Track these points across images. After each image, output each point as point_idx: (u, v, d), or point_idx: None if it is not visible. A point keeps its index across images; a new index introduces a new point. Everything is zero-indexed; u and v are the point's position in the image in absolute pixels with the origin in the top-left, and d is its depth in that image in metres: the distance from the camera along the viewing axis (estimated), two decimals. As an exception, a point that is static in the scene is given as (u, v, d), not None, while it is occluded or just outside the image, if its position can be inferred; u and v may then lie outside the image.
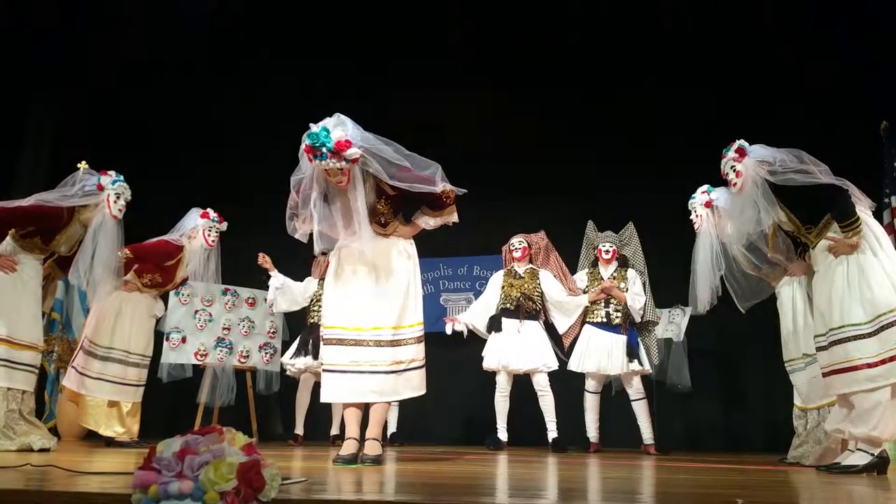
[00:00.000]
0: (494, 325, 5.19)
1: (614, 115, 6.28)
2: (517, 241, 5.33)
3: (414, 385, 3.11)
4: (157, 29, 6.55)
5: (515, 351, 5.05)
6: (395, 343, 3.04)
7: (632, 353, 5.06)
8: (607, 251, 5.28)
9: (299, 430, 5.60)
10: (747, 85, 5.89)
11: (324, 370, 3.10)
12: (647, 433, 5.09)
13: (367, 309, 3.05)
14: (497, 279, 5.36)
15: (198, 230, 4.67)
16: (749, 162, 3.30)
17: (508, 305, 5.18)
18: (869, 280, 3.01)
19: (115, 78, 6.64)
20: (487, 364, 5.17)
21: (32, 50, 6.50)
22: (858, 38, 5.57)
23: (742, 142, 3.38)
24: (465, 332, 5.35)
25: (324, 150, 2.75)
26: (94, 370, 4.43)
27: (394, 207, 3.15)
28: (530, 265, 5.32)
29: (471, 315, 5.34)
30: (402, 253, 3.16)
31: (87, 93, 6.52)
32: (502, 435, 5.10)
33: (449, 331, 5.38)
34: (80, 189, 3.86)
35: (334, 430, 5.57)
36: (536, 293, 5.18)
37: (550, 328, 5.27)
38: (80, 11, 6.40)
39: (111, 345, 4.46)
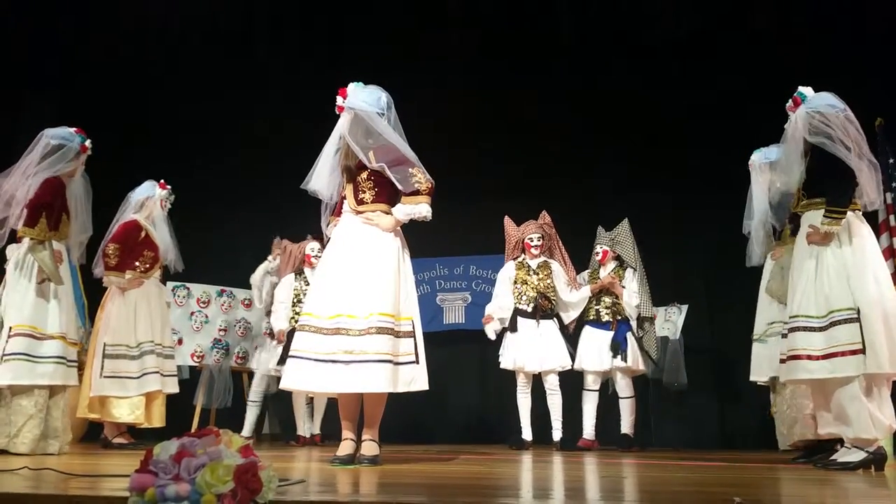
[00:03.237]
0: (510, 325, 5.15)
1: (612, 115, 6.28)
2: (536, 238, 5.21)
3: (370, 379, 2.89)
4: (157, 28, 6.55)
5: (532, 351, 5.03)
6: (347, 332, 2.93)
7: (615, 350, 5.06)
8: (597, 253, 5.31)
9: (301, 432, 5.58)
10: (746, 83, 5.89)
11: (288, 357, 3.08)
12: (623, 430, 5.10)
13: (331, 297, 3.01)
14: (509, 272, 5.25)
15: (155, 200, 4.76)
16: (800, 112, 3.22)
17: (524, 307, 5.13)
18: (831, 277, 3.05)
19: (114, 77, 6.62)
20: (504, 364, 5.16)
21: (32, 50, 6.47)
22: (856, 36, 5.58)
23: (802, 90, 3.28)
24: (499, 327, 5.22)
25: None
26: (133, 370, 4.45)
27: (377, 189, 3.14)
28: (543, 258, 5.25)
29: (496, 309, 5.20)
30: (380, 243, 3.09)
31: (86, 93, 6.50)
32: (526, 434, 5.09)
33: (492, 335, 5.21)
34: (64, 153, 3.79)
35: (314, 430, 5.54)
36: (551, 290, 5.14)
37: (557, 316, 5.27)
38: (79, 11, 6.38)
39: (140, 340, 4.51)
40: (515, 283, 5.20)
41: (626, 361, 5.03)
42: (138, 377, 4.46)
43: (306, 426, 5.54)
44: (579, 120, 6.40)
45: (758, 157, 4.26)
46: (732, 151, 5.81)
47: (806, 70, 5.55)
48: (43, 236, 3.64)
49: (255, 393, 5.68)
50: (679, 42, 6.13)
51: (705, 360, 5.97)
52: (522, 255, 5.28)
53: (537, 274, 5.18)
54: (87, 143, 3.93)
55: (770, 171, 4.08)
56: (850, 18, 5.66)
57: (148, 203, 4.74)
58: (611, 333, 5.11)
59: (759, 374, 4.18)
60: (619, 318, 5.13)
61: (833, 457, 3.16)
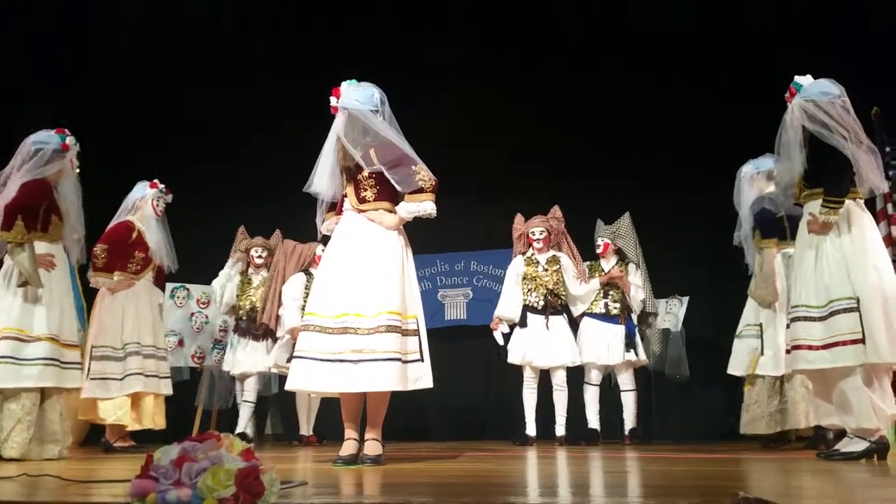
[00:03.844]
0: (520, 320, 5.14)
1: (614, 110, 6.26)
2: (538, 231, 5.21)
3: (380, 378, 2.88)
4: (157, 28, 6.52)
5: (542, 346, 5.03)
6: (355, 330, 2.92)
7: (629, 343, 5.09)
8: (598, 245, 5.34)
9: (304, 431, 5.57)
10: (747, 80, 5.88)
11: (293, 357, 3.07)
12: (629, 424, 5.14)
13: (336, 296, 3.00)
14: (518, 268, 5.23)
15: (146, 200, 4.73)
16: (796, 102, 3.23)
17: (533, 304, 5.12)
18: (830, 266, 3.06)
19: (114, 77, 6.60)
20: (512, 359, 5.15)
21: (32, 50, 6.45)
22: (856, 28, 5.57)
23: (798, 79, 3.28)
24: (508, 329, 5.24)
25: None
26: (117, 371, 4.43)
27: (378, 187, 3.12)
28: (552, 252, 5.23)
29: (507, 310, 5.19)
30: (384, 241, 3.08)
31: (86, 93, 6.49)
32: (530, 430, 5.08)
33: (501, 339, 5.21)
34: (42, 156, 3.74)
35: (303, 431, 5.52)
36: (560, 285, 5.13)
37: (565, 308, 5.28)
38: (80, 12, 6.36)
39: (125, 341, 4.50)
40: (525, 278, 5.18)
41: (639, 356, 5.09)
42: (121, 378, 4.43)
43: (301, 425, 5.54)
44: (580, 116, 6.39)
45: (749, 169, 4.37)
46: (732, 145, 5.79)
47: (804, 61, 5.52)
48: (20, 239, 3.59)
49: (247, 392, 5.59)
50: (680, 40, 6.11)
51: (707, 352, 5.97)
52: (531, 251, 5.26)
53: (546, 270, 5.16)
54: (69, 140, 3.87)
55: (760, 181, 4.34)
56: (849, 10, 5.65)
57: (140, 204, 4.73)
58: (619, 327, 5.14)
59: (732, 368, 4.46)
60: (627, 311, 5.18)
61: (836, 447, 3.16)
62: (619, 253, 5.33)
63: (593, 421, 5.19)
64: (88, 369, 4.37)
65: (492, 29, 6.51)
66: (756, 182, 4.34)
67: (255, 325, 5.50)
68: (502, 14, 6.43)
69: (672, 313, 5.97)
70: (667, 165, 6.13)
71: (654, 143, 6.21)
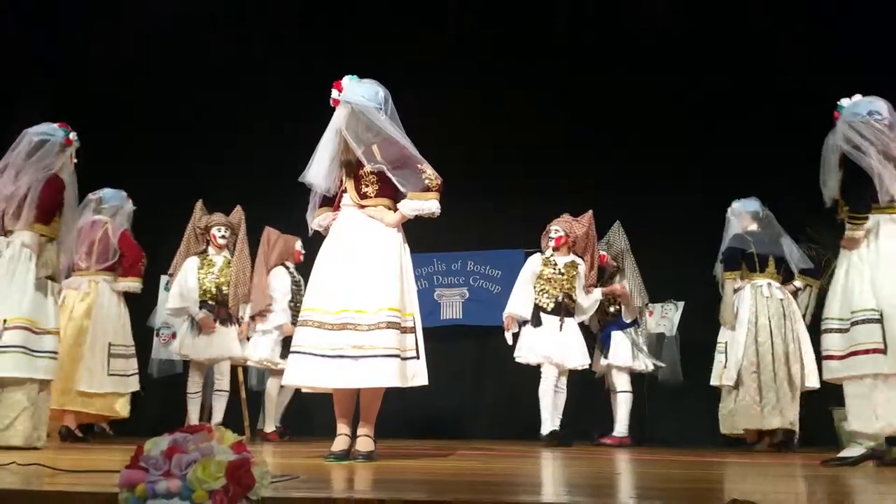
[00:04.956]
0: (533, 320, 5.01)
1: (612, 113, 6.27)
2: (553, 230, 5.12)
3: (380, 374, 2.88)
4: (156, 28, 6.51)
5: (559, 346, 4.94)
6: (356, 327, 2.91)
7: (601, 347, 5.22)
8: (598, 258, 5.35)
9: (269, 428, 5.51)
10: (745, 85, 5.88)
11: (290, 353, 3.04)
12: (620, 426, 5.18)
13: (336, 291, 2.98)
14: (534, 266, 5.11)
15: (129, 212, 4.94)
16: (839, 126, 3.26)
17: (546, 305, 5.00)
18: (854, 279, 3.12)
19: (114, 77, 6.59)
20: (526, 358, 4.99)
21: (30, 48, 6.44)
22: (855, 36, 5.58)
23: (839, 103, 3.31)
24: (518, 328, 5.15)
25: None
26: (128, 369, 4.75)
27: (380, 183, 3.10)
28: (571, 257, 5.13)
29: (518, 308, 5.06)
30: (383, 238, 3.07)
31: (86, 92, 6.47)
32: (554, 426, 4.90)
33: (510, 340, 5.09)
34: (50, 147, 3.73)
35: (269, 427, 5.40)
36: (574, 291, 5.06)
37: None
38: (79, 11, 6.34)
39: (130, 343, 4.82)
40: (539, 278, 5.06)
41: (606, 358, 5.21)
42: (130, 376, 4.74)
43: (267, 421, 5.44)
44: (578, 118, 6.39)
45: (738, 206, 4.82)
46: (731, 149, 5.78)
47: (806, 69, 5.55)
48: (55, 235, 3.68)
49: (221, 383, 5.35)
50: (679, 41, 6.11)
51: (701, 356, 5.97)
52: (551, 252, 5.13)
53: (563, 274, 5.06)
54: (72, 135, 3.86)
55: (745, 219, 4.83)
56: (850, 16, 5.67)
57: (119, 212, 4.87)
58: (599, 333, 5.33)
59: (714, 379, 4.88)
60: (608, 318, 5.33)
61: (840, 454, 3.18)
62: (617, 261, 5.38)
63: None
64: (108, 365, 4.59)
65: (492, 30, 6.50)
66: (742, 220, 4.80)
67: (227, 310, 5.20)
68: (502, 14, 6.43)
69: (667, 318, 5.98)
70: (663, 170, 6.13)
71: (651, 148, 6.21)
